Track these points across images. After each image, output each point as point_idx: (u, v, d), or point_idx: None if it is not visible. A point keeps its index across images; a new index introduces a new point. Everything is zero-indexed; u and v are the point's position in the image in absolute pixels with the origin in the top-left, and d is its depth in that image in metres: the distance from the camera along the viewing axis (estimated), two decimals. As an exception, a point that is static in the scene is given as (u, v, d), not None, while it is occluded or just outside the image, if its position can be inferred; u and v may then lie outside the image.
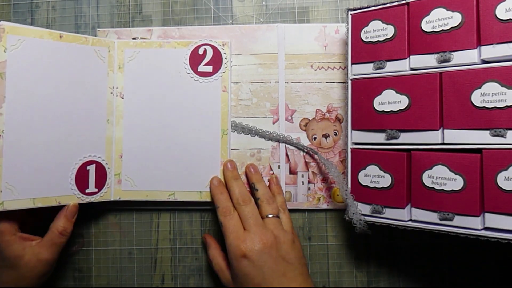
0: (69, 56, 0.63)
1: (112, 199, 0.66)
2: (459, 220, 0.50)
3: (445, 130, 0.51)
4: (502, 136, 0.47)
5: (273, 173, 0.67)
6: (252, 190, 0.64)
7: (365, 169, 0.57)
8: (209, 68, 0.67)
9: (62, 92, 0.62)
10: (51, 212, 0.62)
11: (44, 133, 0.61)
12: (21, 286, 0.59)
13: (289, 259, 0.57)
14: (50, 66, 0.61)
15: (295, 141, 0.67)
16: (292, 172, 0.67)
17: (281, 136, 0.67)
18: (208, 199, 0.65)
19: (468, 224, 0.49)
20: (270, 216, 0.60)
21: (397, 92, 0.54)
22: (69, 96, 0.63)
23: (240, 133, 0.67)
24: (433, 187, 0.52)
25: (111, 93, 0.67)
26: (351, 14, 0.60)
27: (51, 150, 0.61)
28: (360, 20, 0.58)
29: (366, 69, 0.58)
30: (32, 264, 0.59)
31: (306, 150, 0.67)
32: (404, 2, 0.55)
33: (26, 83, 0.59)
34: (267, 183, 0.66)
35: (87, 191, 0.63)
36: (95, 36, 0.69)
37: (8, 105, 0.58)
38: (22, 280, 0.59)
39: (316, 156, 0.66)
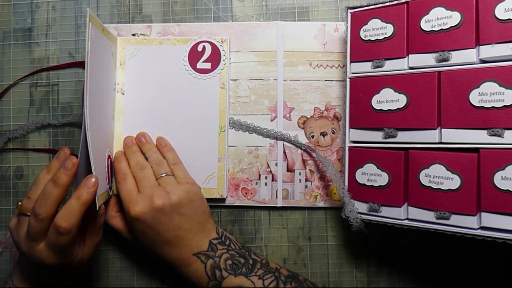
0: None
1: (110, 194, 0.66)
2: (455, 219, 0.50)
3: (442, 129, 0.51)
4: (499, 135, 0.47)
5: (160, 137, 0.67)
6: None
7: (362, 167, 0.57)
8: (208, 65, 0.67)
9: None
10: None
11: None
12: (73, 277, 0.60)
13: (184, 212, 0.58)
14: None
15: (292, 139, 0.67)
16: (290, 169, 0.67)
17: (279, 134, 0.67)
18: (207, 195, 0.65)
19: (464, 223, 0.50)
20: (163, 175, 0.61)
21: (395, 91, 0.54)
22: None
23: (238, 130, 0.67)
24: (430, 186, 0.52)
25: (114, 89, 0.67)
26: (350, 13, 0.60)
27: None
28: (359, 18, 0.58)
29: (364, 68, 0.58)
30: (90, 257, 0.60)
31: (303, 148, 0.67)
32: (403, 1, 0.55)
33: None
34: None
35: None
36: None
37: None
38: (75, 274, 0.60)
39: (313, 154, 0.66)
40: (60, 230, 0.51)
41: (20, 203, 0.56)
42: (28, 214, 0.54)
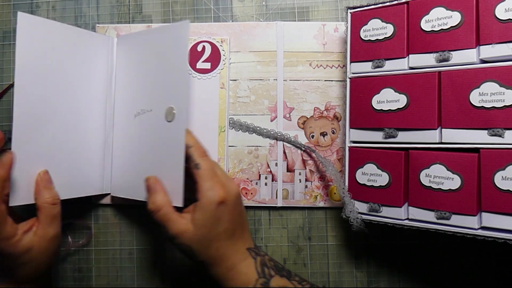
0: None
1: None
2: (456, 219, 0.50)
3: (443, 130, 0.51)
4: (500, 136, 0.47)
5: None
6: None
7: (362, 167, 0.57)
8: (208, 65, 0.67)
9: None
10: None
11: None
12: (43, 270, 0.57)
13: (243, 207, 0.58)
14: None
15: (292, 139, 0.67)
16: (290, 170, 0.67)
17: (279, 134, 0.67)
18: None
19: (465, 223, 0.50)
20: None
21: (395, 91, 0.54)
22: None
23: (238, 131, 0.67)
24: (430, 186, 0.52)
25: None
26: (350, 13, 0.60)
27: None
28: (359, 18, 0.58)
29: (365, 68, 0.58)
30: (43, 247, 0.56)
31: (303, 148, 0.67)
32: (403, 1, 0.55)
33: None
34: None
35: None
36: (95, 32, 0.69)
37: None
38: (41, 266, 0.57)
39: (313, 154, 0.66)
40: None
41: None
42: None
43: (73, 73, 0.62)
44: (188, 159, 0.55)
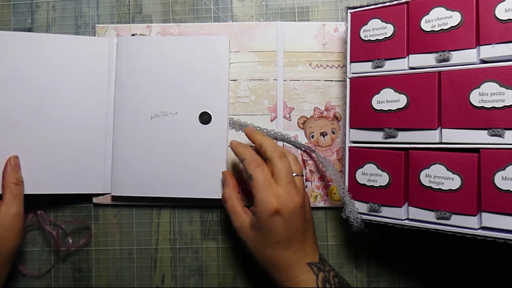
0: None
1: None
2: (456, 219, 0.50)
3: (443, 130, 0.51)
4: (500, 136, 0.47)
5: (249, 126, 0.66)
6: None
7: (362, 167, 0.57)
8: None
9: None
10: None
11: None
12: (8, 249, 0.60)
13: (308, 219, 0.58)
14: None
15: (292, 139, 0.67)
16: (290, 170, 0.67)
17: (279, 134, 0.67)
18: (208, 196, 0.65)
19: (465, 223, 0.50)
20: (295, 175, 0.59)
21: (395, 91, 0.54)
22: None
23: (238, 131, 0.67)
24: (430, 186, 0.52)
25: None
26: (350, 13, 0.60)
27: None
28: (359, 18, 0.58)
29: (365, 68, 0.58)
30: (8, 223, 0.60)
31: (303, 149, 0.67)
32: (403, 1, 0.55)
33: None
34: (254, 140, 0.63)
35: None
36: (95, 33, 0.69)
37: None
38: (6, 243, 0.60)
39: (313, 154, 0.66)
40: None
41: None
42: None
43: (72, 76, 0.66)
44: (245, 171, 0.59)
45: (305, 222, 0.57)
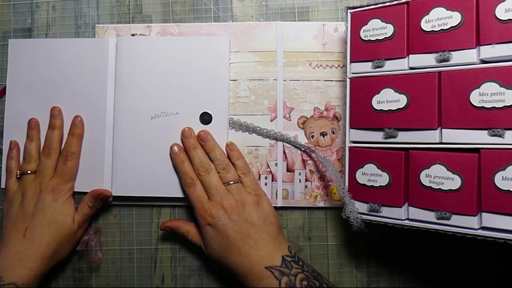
0: None
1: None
2: (456, 220, 0.50)
3: (443, 130, 0.51)
4: (500, 136, 0.47)
5: (231, 143, 0.66)
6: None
7: (362, 167, 0.57)
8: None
9: None
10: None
11: None
12: (63, 251, 0.64)
13: (251, 221, 0.60)
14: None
15: (292, 139, 0.67)
16: (289, 170, 0.67)
17: (279, 134, 0.67)
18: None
19: (465, 223, 0.50)
20: (231, 183, 0.62)
21: (395, 91, 0.54)
22: None
23: (238, 131, 0.67)
24: (430, 186, 0.52)
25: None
26: (350, 13, 0.60)
27: None
28: (359, 18, 0.58)
29: (365, 68, 0.58)
30: (75, 227, 0.64)
31: (303, 149, 0.67)
32: (403, 1, 0.55)
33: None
34: (225, 151, 0.66)
35: None
36: (94, 33, 0.69)
37: None
38: (65, 240, 0.63)
39: (313, 155, 0.66)
40: (68, 155, 0.64)
41: (19, 171, 0.66)
42: (29, 172, 0.65)
43: (72, 78, 0.68)
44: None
45: (246, 224, 0.59)
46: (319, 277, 0.58)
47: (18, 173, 0.65)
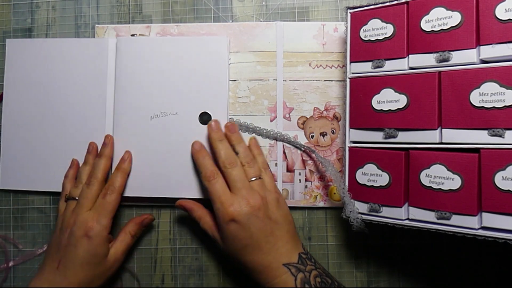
0: None
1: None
2: (456, 219, 0.50)
3: (443, 130, 0.51)
4: (500, 136, 0.47)
5: (254, 137, 0.67)
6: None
7: (362, 167, 0.57)
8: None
9: None
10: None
11: None
12: (94, 284, 0.61)
13: (275, 219, 0.59)
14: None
15: (292, 140, 0.67)
16: (289, 170, 0.67)
17: (279, 134, 0.67)
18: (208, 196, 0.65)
19: (465, 223, 0.50)
20: (254, 179, 0.61)
21: (395, 91, 0.54)
22: None
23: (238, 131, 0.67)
24: (430, 186, 0.52)
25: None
26: (350, 13, 0.60)
27: None
28: (359, 18, 0.58)
29: (364, 68, 0.58)
30: (110, 263, 0.62)
31: (303, 149, 0.67)
32: (403, 1, 0.55)
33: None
34: (249, 146, 0.66)
35: None
36: (94, 33, 0.69)
37: None
38: (98, 278, 0.61)
39: (313, 155, 0.66)
40: (109, 189, 0.62)
41: (66, 194, 0.64)
42: (76, 198, 0.63)
43: (72, 78, 0.68)
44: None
45: (270, 222, 0.58)
46: (330, 275, 0.59)
47: (66, 196, 0.64)
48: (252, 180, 0.61)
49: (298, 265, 0.57)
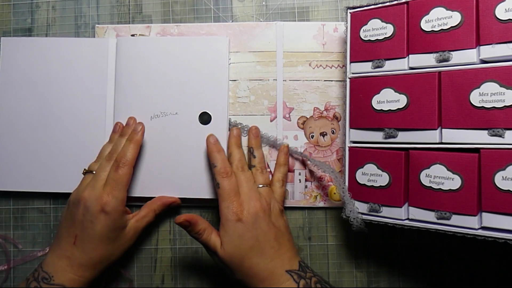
0: None
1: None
2: (456, 219, 0.50)
3: (443, 130, 0.51)
4: (500, 136, 0.47)
5: (287, 145, 0.66)
6: (250, 154, 0.65)
7: (362, 167, 0.57)
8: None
9: None
10: None
11: None
12: (114, 257, 0.62)
13: (278, 226, 0.60)
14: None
15: (288, 145, 0.66)
16: (290, 170, 0.67)
17: (272, 139, 0.66)
18: (208, 196, 0.65)
19: (465, 223, 0.50)
20: (261, 186, 0.62)
21: (395, 91, 0.54)
22: None
23: (238, 131, 0.67)
24: (430, 186, 0.52)
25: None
26: (350, 13, 0.60)
27: None
28: (359, 18, 0.58)
29: (364, 68, 0.58)
30: (130, 235, 0.63)
31: (296, 156, 0.66)
32: (403, 1, 0.55)
33: None
34: (279, 151, 0.67)
35: None
36: (94, 33, 0.69)
37: None
38: (119, 250, 0.62)
39: (308, 162, 0.66)
40: (121, 162, 0.60)
41: (85, 169, 0.65)
42: (93, 171, 0.63)
43: (72, 78, 0.68)
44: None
45: (274, 227, 0.59)
46: (327, 282, 0.60)
47: (84, 170, 0.64)
48: (260, 187, 0.62)
49: (299, 272, 0.58)
